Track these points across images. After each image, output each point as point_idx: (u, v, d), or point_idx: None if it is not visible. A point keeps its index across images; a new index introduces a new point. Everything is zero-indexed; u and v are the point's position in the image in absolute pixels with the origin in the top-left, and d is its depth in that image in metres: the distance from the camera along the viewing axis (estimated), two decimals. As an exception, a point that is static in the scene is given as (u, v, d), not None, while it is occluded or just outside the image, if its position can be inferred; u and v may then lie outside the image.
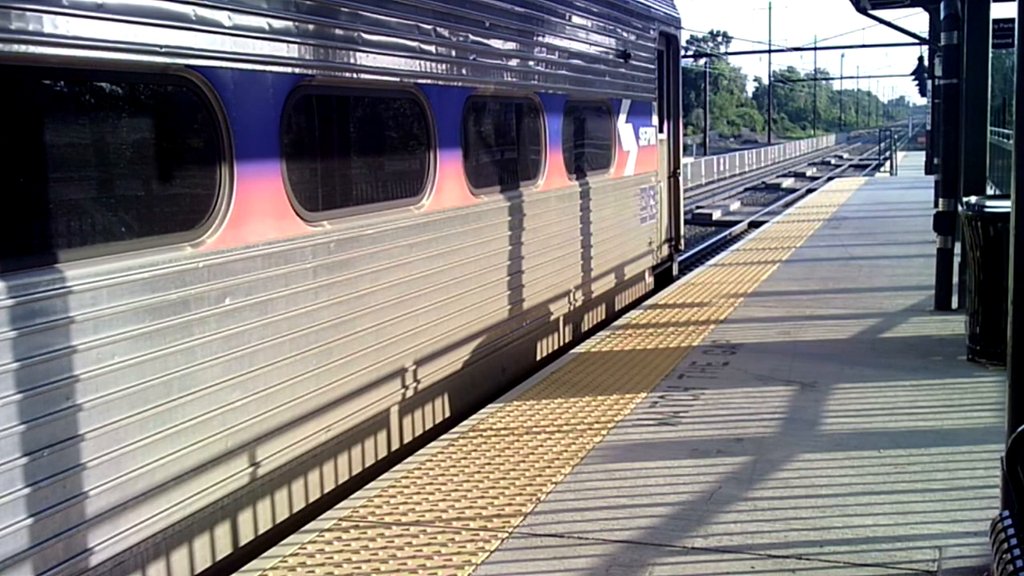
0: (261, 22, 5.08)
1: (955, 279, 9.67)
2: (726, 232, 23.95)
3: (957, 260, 9.73)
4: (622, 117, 10.91)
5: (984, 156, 9.87)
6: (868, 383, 7.17)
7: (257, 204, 5.10)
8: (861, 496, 5.09)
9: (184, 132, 4.92)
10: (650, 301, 10.74)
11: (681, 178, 13.66)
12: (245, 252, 5.02)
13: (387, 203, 6.43)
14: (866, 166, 52.54)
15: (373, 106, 6.58)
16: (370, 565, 4.50)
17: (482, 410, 6.86)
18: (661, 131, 12.58)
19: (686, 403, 6.82)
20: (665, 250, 12.89)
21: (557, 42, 9.10)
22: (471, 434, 6.32)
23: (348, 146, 6.32)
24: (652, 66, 11.97)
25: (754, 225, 23.68)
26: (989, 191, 11.68)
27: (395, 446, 6.49)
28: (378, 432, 6.32)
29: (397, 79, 6.38)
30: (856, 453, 5.72)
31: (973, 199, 8.14)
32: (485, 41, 7.62)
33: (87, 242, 4.22)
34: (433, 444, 6.18)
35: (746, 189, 39.96)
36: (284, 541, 4.86)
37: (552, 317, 9.07)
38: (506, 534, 4.79)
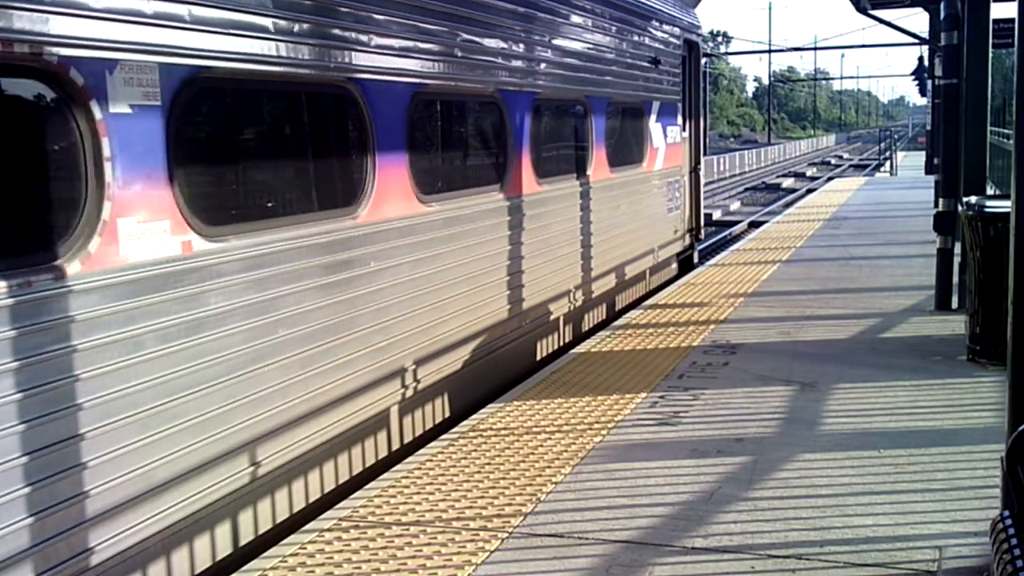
0: (393, 43, 6.31)
1: (955, 279, 9.67)
2: (726, 232, 23.94)
3: (957, 260, 9.72)
4: (653, 117, 12.04)
5: (984, 156, 9.87)
6: (868, 383, 7.17)
7: (391, 187, 6.30)
8: (861, 496, 5.09)
9: (346, 129, 6.09)
10: (650, 301, 10.75)
11: (702, 173, 14.67)
12: (384, 225, 6.21)
13: (479, 188, 7.64)
14: (866, 166, 52.53)
15: (466, 109, 7.82)
16: (370, 565, 4.50)
17: (482, 410, 6.87)
18: (684, 130, 13.59)
19: (686, 403, 6.82)
20: (687, 239, 13.99)
21: (602, 53, 10.31)
22: (471, 434, 6.32)
23: (451, 142, 7.66)
24: (677, 70, 13.14)
25: (754, 225, 23.67)
26: (989, 191, 11.68)
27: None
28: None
29: (483, 87, 7.69)
30: (856, 453, 5.72)
31: (973, 199, 8.14)
32: (551, 56, 8.93)
33: (298, 211, 5.56)
34: (433, 444, 6.19)
35: (746, 189, 39.95)
36: (284, 541, 4.86)
37: (603, 290, 10.35)
38: (506, 534, 4.79)
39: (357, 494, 5.40)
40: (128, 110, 4.31)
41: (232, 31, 4.87)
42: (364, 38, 6.01)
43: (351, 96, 5.93)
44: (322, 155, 5.93)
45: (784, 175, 48.33)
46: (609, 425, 6.39)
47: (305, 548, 4.72)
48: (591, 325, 10.01)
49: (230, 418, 4.91)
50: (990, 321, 7.55)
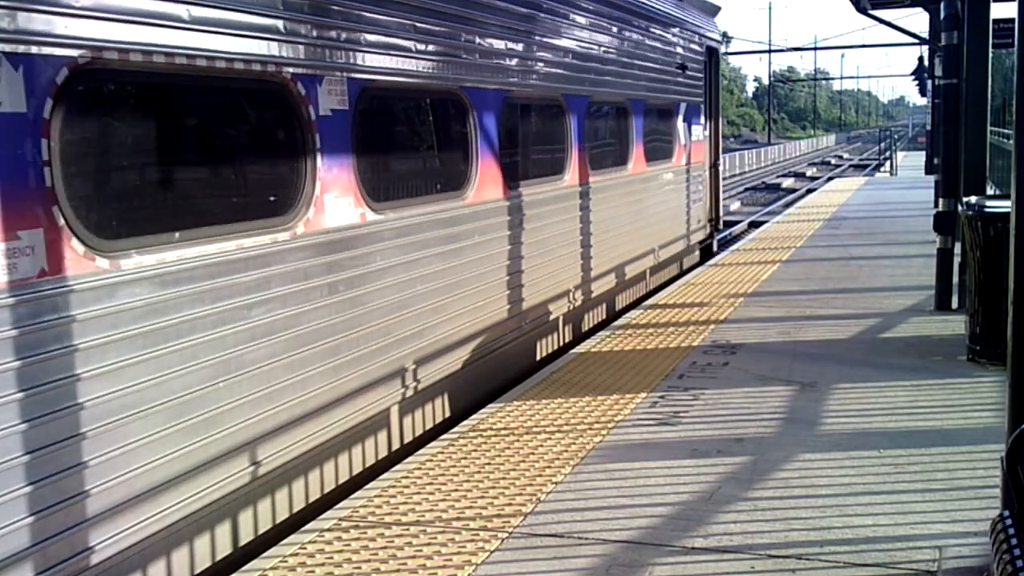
0: (491, 59, 7.72)
1: (955, 279, 9.67)
2: (726, 232, 23.94)
3: (957, 260, 9.72)
4: (680, 117, 13.36)
5: (984, 156, 9.87)
6: (868, 383, 7.17)
7: (487, 176, 7.59)
8: (861, 496, 5.09)
9: (460, 127, 7.40)
10: (650, 301, 10.76)
11: (720, 168, 16.11)
12: (485, 206, 7.52)
13: (547, 178, 8.89)
14: (866, 166, 52.51)
15: (542, 110, 9.15)
16: (370, 565, 4.50)
17: (482, 410, 6.87)
18: (705, 128, 14.96)
19: (686, 403, 6.82)
20: (708, 228, 15.33)
21: (642, 61, 11.57)
22: (471, 434, 6.32)
23: (529, 138, 8.97)
24: (700, 75, 14.40)
25: (754, 225, 23.67)
26: (989, 191, 11.68)
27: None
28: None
29: (549, 92, 8.97)
30: (856, 453, 5.72)
31: (973, 199, 8.14)
32: (600, 66, 10.24)
33: (427, 192, 6.89)
34: (433, 444, 6.19)
35: (746, 189, 39.92)
36: (284, 541, 4.86)
37: (639, 270, 11.79)
38: (506, 534, 4.79)
39: (357, 494, 5.40)
40: (329, 113, 5.60)
41: (390, 52, 6.24)
42: (469, 55, 7.38)
43: (461, 101, 7.34)
44: (443, 148, 7.54)
45: (784, 175, 48.30)
46: (609, 425, 6.39)
47: (305, 548, 4.72)
48: (637, 297, 11.77)
49: (390, 350, 6.26)
50: (990, 321, 7.55)
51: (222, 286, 4.80)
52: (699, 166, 14.44)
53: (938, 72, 13.23)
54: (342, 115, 5.74)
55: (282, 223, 5.28)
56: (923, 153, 37.14)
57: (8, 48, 3.69)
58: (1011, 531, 3.59)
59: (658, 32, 12.18)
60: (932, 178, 19.45)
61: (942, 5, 10.66)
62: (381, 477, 5.65)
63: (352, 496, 5.39)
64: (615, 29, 10.63)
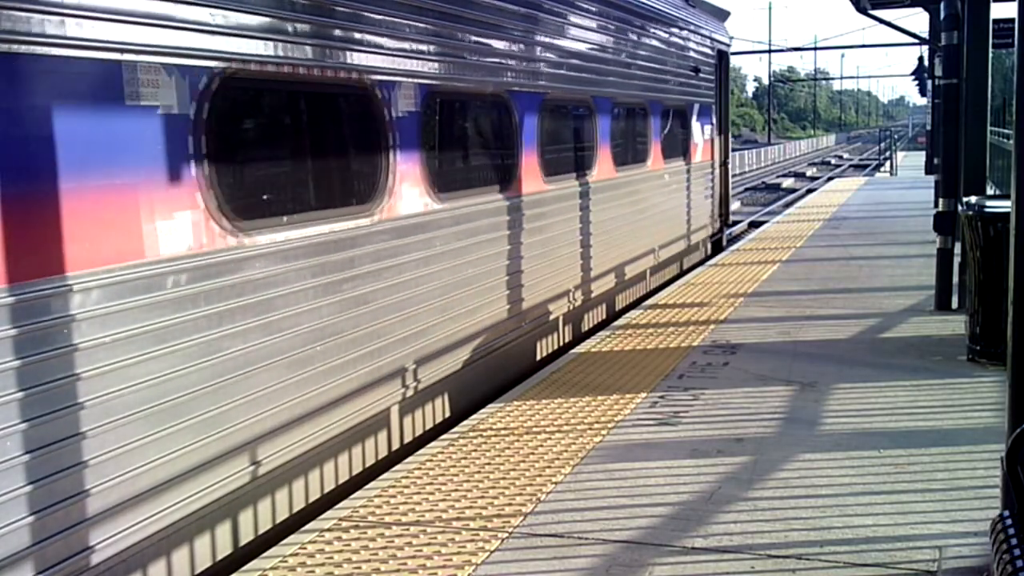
0: (529, 68, 8.52)
1: (955, 279, 9.67)
2: (726, 232, 23.94)
3: (957, 260, 9.72)
4: (694, 117, 14.19)
5: (984, 156, 9.87)
6: (868, 383, 7.17)
7: (527, 170, 8.45)
8: (861, 496, 5.09)
9: (506, 126, 8.19)
10: (650, 301, 10.76)
11: (729, 166, 16.96)
12: (531, 197, 8.47)
13: (580, 174, 9.73)
14: (866, 166, 52.49)
15: (573, 111, 9.94)
16: (370, 565, 4.50)
17: (482, 410, 6.87)
18: (716, 128, 15.74)
19: (686, 403, 6.82)
20: (718, 223, 16.18)
21: (660, 64, 12.43)
22: (471, 434, 6.32)
23: (562, 136, 9.59)
24: (712, 77, 15.23)
25: (754, 225, 23.65)
26: (989, 191, 11.68)
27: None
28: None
29: (580, 95, 9.82)
30: (856, 453, 5.72)
31: (973, 199, 8.14)
32: (625, 70, 11.10)
33: (478, 184, 7.78)
34: (433, 444, 6.19)
35: (746, 189, 39.89)
36: (284, 541, 4.86)
37: (671, 254, 13.00)
38: (506, 534, 4.79)
39: (357, 494, 5.40)
40: (402, 114, 6.38)
41: (446, 59, 6.98)
42: (514, 62, 8.21)
43: (506, 103, 8.14)
44: (491, 145, 8.34)
45: (784, 175, 48.28)
46: (609, 425, 6.39)
47: (305, 548, 4.72)
48: (663, 280, 12.75)
49: (449, 324, 7.06)
50: (990, 321, 7.55)
51: (320, 263, 5.57)
52: (709, 164, 15.25)
53: (938, 72, 13.22)
54: (412, 116, 6.58)
55: (366, 210, 6.09)
56: (923, 153, 37.13)
57: (172, 60, 4.50)
58: (1011, 531, 3.59)
59: (675, 37, 13.10)
60: (932, 178, 19.44)
61: (942, 5, 10.66)
62: (381, 477, 5.65)
63: (352, 496, 5.39)
64: (636, 36, 11.44)
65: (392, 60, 6.31)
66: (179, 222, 4.55)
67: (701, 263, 14.19)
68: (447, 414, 7.08)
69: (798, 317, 9.58)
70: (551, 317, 9.05)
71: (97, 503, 4.14)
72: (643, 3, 11.64)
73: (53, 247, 3.91)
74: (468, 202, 7.38)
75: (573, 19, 9.52)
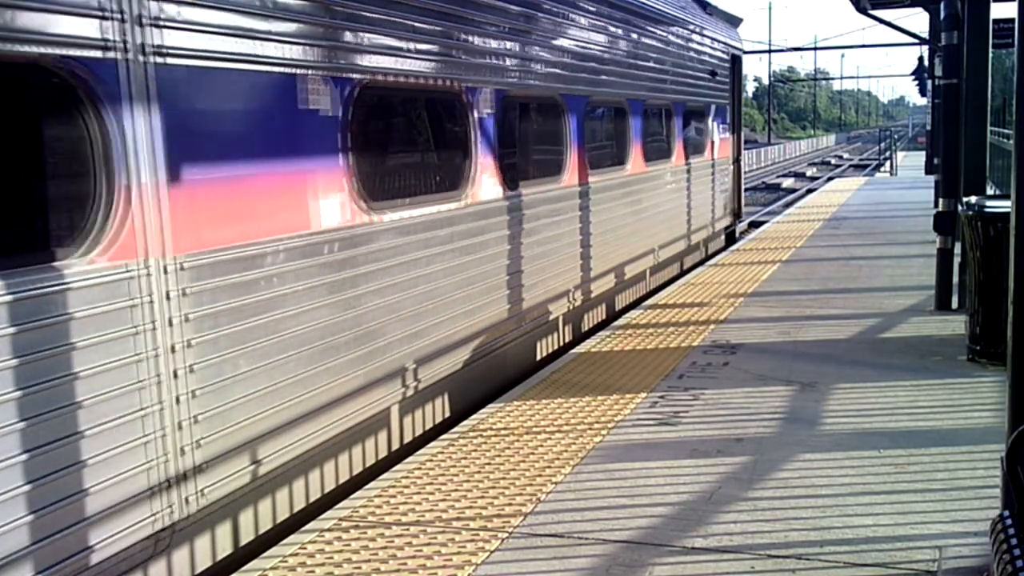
0: (576, 75, 9.57)
1: (955, 279, 9.67)
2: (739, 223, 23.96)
3: (957, 260, 9.72)
4: (711, 117, 15.39)
5: (984, 156, 9.87)
6: (868, 383, 7.17)
7: (579, 163, 9.53)
8: (861, 496, 5.09)
9: (557, 125, 9.24)
10: (650, 301, 10.76)
11: (742, 162, 18.37)
12: (575, 188, 9.50)
13: (611, 168, 10.67)
14: (866, 166, 52.46)
15: (611, 112, 10.92)
16: (370, 565, 4.50)
17: (482, 410, 6.87)
18: (731, 127, 17.06)
19: (686, 403, 6.82)
20: (732, 216, 17.45)
21: (683, 69, 13.64)
22: (471, 434, 6.32)
23: (598, 135, 10.51)
24: (727, 79, 16.48)
25: (754, 225, 23.64)
26: (989, 191, 11.68)
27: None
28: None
29: (615, 97, 10.86)
30: (856, 453, 5.72)
31: (973, 199, 8.14)
32: (659, 76, 12.46)
33: (537, 176, 8.79)
34: (433, 444, 6.19)
35: (746, 189, 39.77)
36: (284, 541, 4.86)
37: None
38: (506, 534, 4.79)
39: (357, 494, 5.40)
40: (484, 115, 7.57)
41: (519, 68, 8.25)
42: (565, 70, 9.29)
43: (558, 104, 9.25)
44: (547, 141, 9.31)
45: (784, 175, 48.25)
46: (609, 425, 6.39)
47: (305, 548, 4.72)
48: (694, 263, 14.26)
49: (525, 291, 8.36)
50: (990, 321, 7.55)
51: (429, 237, 6.74)
52: (725, 160, 16.46)
53: (938, 72, 13.22)
54: (490, 117, 7.70)
55: (457, 195, 7.22)
56: (923, 153, 37.09)
57: (331, 74, 5.64)
58: (1011, 531, 3.59)
59: (696, 44, 14.35)
60: (932, 178, 19.44)
61: (942, 5, 10.66)
62: (381, 477, 5.65)
63: (352, 496, 5.39)
64: (663, 44, 12.59)
65: (478, 71, 7.56)
66: (331, 202, 5.70)
67: (721, 250, 15.68)
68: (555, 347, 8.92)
69: (798, 317, 9.58)
70: (606, 288, 10.70)
71: (298, 409, 5.34)
72: (669, 13, 12.78)
73: (266, 213, 5.11)
74: (529, 191, 8.57)
75: (611, 30, 10.58)
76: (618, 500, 5.17)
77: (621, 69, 10.93)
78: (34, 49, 3.84)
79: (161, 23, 4.40)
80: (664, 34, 12.62)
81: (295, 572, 4.48)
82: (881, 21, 15.99)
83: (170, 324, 4.45)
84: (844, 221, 18.32)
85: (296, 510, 5.44)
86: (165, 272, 4.44)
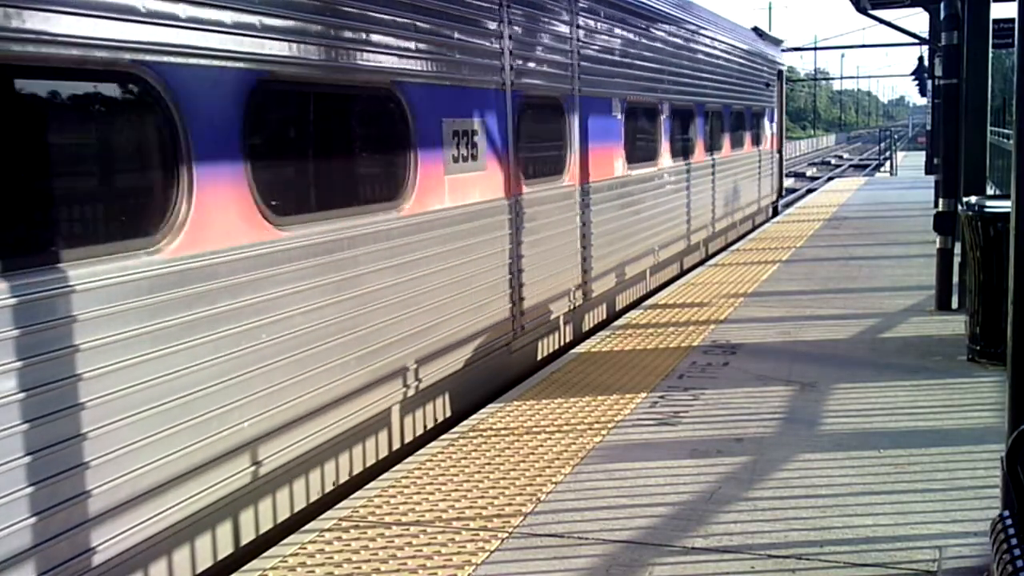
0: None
1: (955, 279, 9.67)
2: (780, 201, 24.05)
3: (957, 260, 9.72)
4: (765, 117, 20.22)
5: (984, 156, 9.87)
6: (868, 383, 7.17)
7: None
8: (861, 496, 5.09)
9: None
10: (650, 301, 10.77)
11: (783, 153, 23.51)
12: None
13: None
14: (866, 166, 52.44)
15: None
16: (370, 565, 4.50)
17: (482, 410, 6.87)
18: (777, 126, 22.02)
19: (686, 403, 6.82)
20: (775, 195, 22.30)
21: (753, 84, 18.58)
22: (471, 434, 6.32)
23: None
24: (774, 88, 21.33)
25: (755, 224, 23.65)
26: (989, 191, 11.68)
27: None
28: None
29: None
30: (856, 453, 5.72)
31: (973, 199, 8.14)
32: (742, 88, 17.48)
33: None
34: (433, 444, 6.19)
35: (746, 189, 39.82)
36: (284, 541, 4.86)
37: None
38: (506, 534, 4.79)
39: (357, 494, 5.40)
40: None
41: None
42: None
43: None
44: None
45: (784, 175, 48.20)
46: (609, 425, 6.39)
47: (305, 548, 4.72)
48: (752, 226, 19.07)
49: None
50: (990, 321, 7.55)
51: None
52: (771, 151, 21.34)
53: (938, 72, 13.22)
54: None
55: (649, 162, 10.37)
56: (923, 153, 37.09)
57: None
58: (1011, 531, 3.59)
59: (759, 64, 19.23)
60: (932, 178, 19.43)
61: (942, 5, 10.66)
62: (381, 477, 5.65)
63: (352, 496, 5.39)
64: (749, 68, 17.75)
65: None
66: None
67: (767, 220, 20.08)
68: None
69: (798, 317, 9.58)
70: (690, 242, 13.72)
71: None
72: (752, 47, 18.27)
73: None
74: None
75: (727, 63, 15.55)
76: (618, 500, 5.17)
77: (694, 79, 14.16)
78: None
79: None
80: (750, 61, 18.07)
81: (295, 572, 4.48)
82: (881, 21, 15.99)
83: None
84: (844, 221, 18.32)
85: (296, 510, 5.44)
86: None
